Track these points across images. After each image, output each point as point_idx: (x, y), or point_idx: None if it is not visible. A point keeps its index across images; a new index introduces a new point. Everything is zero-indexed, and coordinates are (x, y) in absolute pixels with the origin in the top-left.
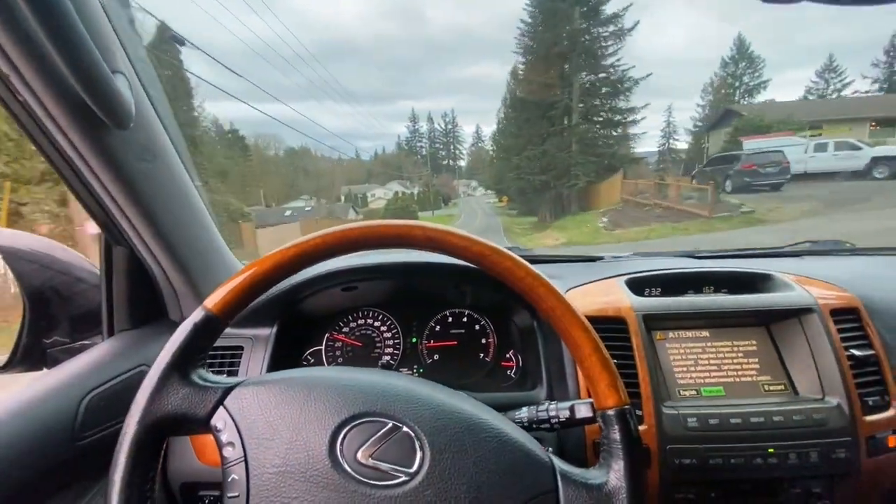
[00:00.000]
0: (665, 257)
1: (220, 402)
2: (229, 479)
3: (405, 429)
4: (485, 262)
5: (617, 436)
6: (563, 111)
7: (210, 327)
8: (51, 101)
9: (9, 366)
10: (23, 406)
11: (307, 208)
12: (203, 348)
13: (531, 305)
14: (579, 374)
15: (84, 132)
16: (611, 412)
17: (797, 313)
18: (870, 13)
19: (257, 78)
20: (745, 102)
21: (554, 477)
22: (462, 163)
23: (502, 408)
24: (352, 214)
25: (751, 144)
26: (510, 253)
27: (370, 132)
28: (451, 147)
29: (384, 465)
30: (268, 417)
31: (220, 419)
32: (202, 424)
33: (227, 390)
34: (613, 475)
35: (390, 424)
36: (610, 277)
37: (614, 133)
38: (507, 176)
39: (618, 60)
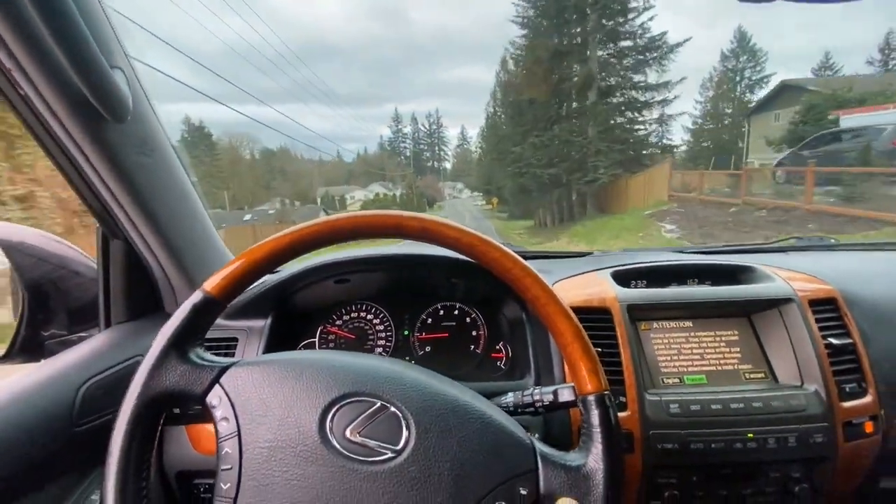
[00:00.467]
0: (653, 252)
1: (216, 380)
2: (223, 453)
3: (392, 409)
4: (474, 252)
5: (596, 420)
6: (579, 86)
7: (208, 308)
8: (51, 94)
9: (7, 357)
10: (22, 393)
11: (270, 211)
12: (201, 329)
13: (520, 298)
14: (565, 363)
15: (83, 125)
16: (591, 397)
17: (777, 303)
18: (861, 16)
19: (240, 79)
20: (749, 97)
21: (534, 458)
22: (447, 164)
23: (491, 396)
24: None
25: (851, 120)
26: (499, 244)
27: (356, 134)
28: (436, 148)
29: (371, 443)
30: (261, 395)
31: (215, 396)
32: (198, 401)
33: (223, 369)
34: (592, 457)
35: (378, 404)
36: (596, 270)
37: (640, 116)
38: (506, 171)
39: (650, 20)
